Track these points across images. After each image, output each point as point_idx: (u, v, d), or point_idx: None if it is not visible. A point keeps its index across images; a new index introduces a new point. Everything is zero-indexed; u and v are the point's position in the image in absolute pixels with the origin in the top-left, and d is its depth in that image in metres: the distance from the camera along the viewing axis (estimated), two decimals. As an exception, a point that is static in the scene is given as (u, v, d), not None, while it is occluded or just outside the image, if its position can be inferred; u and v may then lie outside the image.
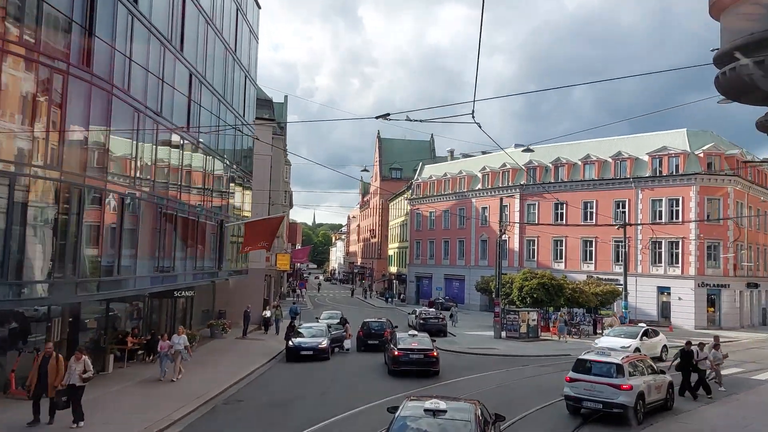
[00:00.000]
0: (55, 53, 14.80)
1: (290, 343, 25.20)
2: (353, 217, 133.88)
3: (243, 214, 34.51)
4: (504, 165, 54.90)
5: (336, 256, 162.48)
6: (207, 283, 30.20)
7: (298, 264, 79.57)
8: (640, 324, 31.88)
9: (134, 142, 19.02)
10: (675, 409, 16.27)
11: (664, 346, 27.51)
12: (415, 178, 69.84)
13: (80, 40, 15.78)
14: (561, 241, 49.67)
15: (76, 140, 15.75)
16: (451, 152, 76.16)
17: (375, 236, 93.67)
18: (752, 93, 8.59)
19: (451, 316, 40.93)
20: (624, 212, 44.87)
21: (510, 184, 54.12)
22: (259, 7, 37.35)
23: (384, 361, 23.70)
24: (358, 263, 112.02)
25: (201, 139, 25.80)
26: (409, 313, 42.94)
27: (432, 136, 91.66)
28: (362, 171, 40.28)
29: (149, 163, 20.44)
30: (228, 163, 30.68)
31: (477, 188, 58.11)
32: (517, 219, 51.69)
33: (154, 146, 20.61)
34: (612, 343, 24.23)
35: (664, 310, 43.44)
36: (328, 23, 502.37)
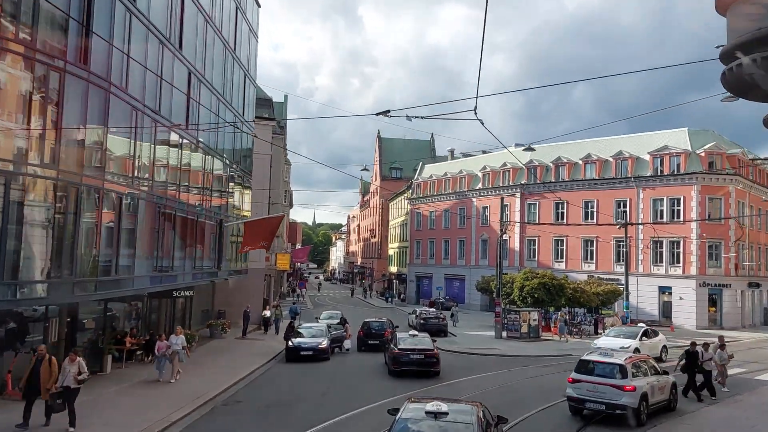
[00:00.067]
0: (52, 50, 14.65)
1: (290, 343, 25.05)
2: (353, 216, 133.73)
3: (242, 214, 34.37)
4: (504, 164, 54.75)
5: (336, 256, 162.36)
6: (206, 282, 30.06)
7: (298, 264, 79.44)
8: (639, 324, 31.72)
9: (132, 141, 18.88)
10: (678, 410, 16.12)
11: (664, 346, 27.30)
12: (416, 177, 69.69)
13: (77, 38, 15.65)
14: (562, 241, 49.51)
15: (73, 139, 15.59)
16: (452, 152, 76.00)
17: (375, 236, 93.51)
18: (755, 91, 8.55)
19: (452, 315, 40.78)
20: (625, 212, 44.72)
21: (510, 183, 53.96)
22: (259, 6, 37.20)
23: (384, 361, 23.56)
24: (358, 263, 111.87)
25: (200, 139, 25.65)
26: (409, 313, 42.80)
27: (432, 136, 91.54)
28: (362, 170, 40.19)
29: (148, 162, 20.29)
30: (228, 162, 30.54)
31: (477, 188, 57.95)
32: (517, 218, 51.54)
33: (153, 145, 20.47)
34: (611, 344, 24.01)
35: (666, 310, 43.28)
36: (328, 23, 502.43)
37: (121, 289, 18.96)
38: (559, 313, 36.42)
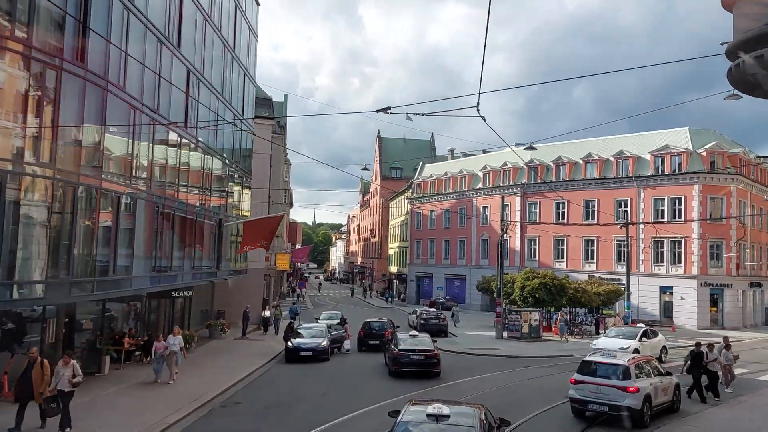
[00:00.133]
0: (49, 48, 14.48)
1: (289, 343, 24.89)
2: (353, 216, 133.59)
3: (242, 214, 34.22)
4: (505, 164, 54.60)
5: (336, 256, 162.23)
6: (205, 283, 29.90)
7: (298, 264, 79.32)
8: (639, 324, 31.53)
9: (130, 140, 18.72)
10: (682, 412, 15.96)
11: (664, 347, 27.03)
12: (416, 177, 69.52)
13: (74, 35, 15.48)
14: (562, 241, 49.35)
15: (70, 138, 15.44)
16: (452, 151, 75.78)
17: (375, 236, 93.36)
18: (759, 90, 8.49)
19: (453, 315, 40.62)
20: (626, 211, 44.53)
21: (511, 183, 53.80)
22: (258, 5, 37.04)
23: (384, 361, 23.41)
24: (359, 263, 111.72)
25: (200, 138, 25.50)
26: (409, 313, 42.65)
27: (432, 135, 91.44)
28: (362, 169, 39.97)
29: (146, 162, 20.13)
30: (227, 162, 30.38)
31: (478, 187, 57.78)
32: (518, 218, 51.38)
33: (151, 144, 20.31)
34: (610, 344, 23.70)
35: (667, 310, 43.11)
36: (328, 23, 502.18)
37: (119, 290, 18.80)
38: (560, 313, 36.27)
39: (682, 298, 42.12)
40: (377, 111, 9.51)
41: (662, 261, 43.41)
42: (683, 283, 42.14)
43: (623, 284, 37.44)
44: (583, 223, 47.32)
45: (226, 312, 34.47)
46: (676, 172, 43.15)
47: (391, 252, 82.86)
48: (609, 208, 45.46)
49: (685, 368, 18.08)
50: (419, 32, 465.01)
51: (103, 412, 14.78)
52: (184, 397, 16.57)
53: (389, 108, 9.42)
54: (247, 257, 34.58)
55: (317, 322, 30.56)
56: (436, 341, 22.98)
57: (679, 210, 42.75)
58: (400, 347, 21.32)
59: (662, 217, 43.44)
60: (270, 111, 45.72)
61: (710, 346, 18.33)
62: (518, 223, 51.25)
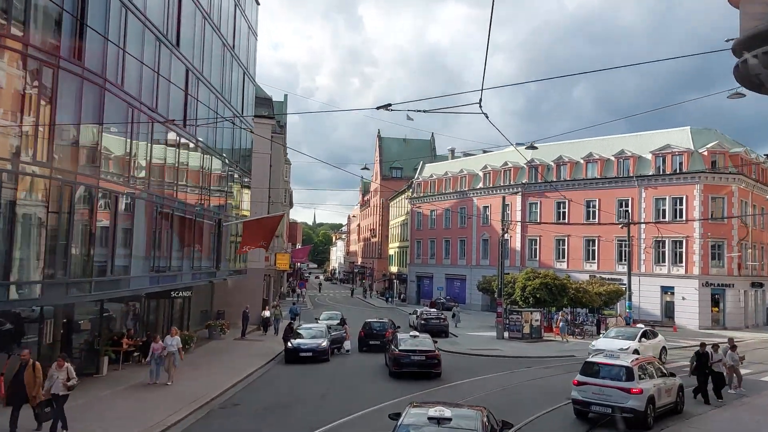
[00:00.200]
0: (45, 45, 14.32)
1: (289, 344, 24.74)
2: (353, 216, 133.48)
3: (242, 213, 34.08)
4: (506, 164, 54.45)
5: (336, 256, 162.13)
6: (205, 283, 29.75)
7: (299, 264, 79.18)
8: (638, 325, 31.35)
9: (129, 139, 18.56)
10: (685, 413, 15.82)
11: (664, 347, 26.81)
12: (416, 177, 69.38)
13: (71, 32, 15.31)
14: (563, 241, 49.18)
15: (67, 136, 15.28)
16: (452, 151, 75.61)
17: (375, 236, 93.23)
18: (764, 89, 8.41)
19: (454, 316, 40.49)
20: (627, 211, 44.34)
21: (512, 182, 53.64)
22: (258, 3, 36.90)
23: (385, 362, 23.26)
24: (359, 263, 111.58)
25: (199, 138, 25.35)
26: (409, 314, 42.51)
27: (432, 135, 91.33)
28: (362, 169, 39.89)
29: (144, 161, 19.97)
30: (227, 161, 30.23)
31: (478, 187, 57.62)
32: (519, 218, 51.22)
33: (149, 144, 20.15)
34: (610, 345, 23.39)
35: (668, 310, 42.95)
36: (327, 22, 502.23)
37: (118, 290, 18.65)
38: (560, 313, 36.12)
39: (683, 299, 41.96)
40: (377, 108, 9.36)
41: (663, 261, 43.24)
42: (684, 283, 41.98)
43: (624, 284, 37.27)
44: (584, 222, 47.15)
45: (225, 312, 34.32)
46: (678, 171, 42.98)
47: (391, 252, 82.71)
48: (610, 208, 45.30)
49: (691, 369, 17.89)
50: (419, 32, 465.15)
51: (100, 413, 14.62)
52: (182, 398, 16.41)
53: (390, 105, 9.28)
54: (246, 257, 34.43)
55: (317, 322, 30.43)
56: (436, 342, 22.86)
57: (681, 210, 42.58)
58: (400, 348, 21.17)
59: (663, 216, 43.28)
60: (270, 111, 45.62)
61: (715, 346, 18.14)
62: (519, 223, 51.09)
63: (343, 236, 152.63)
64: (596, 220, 46.34)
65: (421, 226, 65.85)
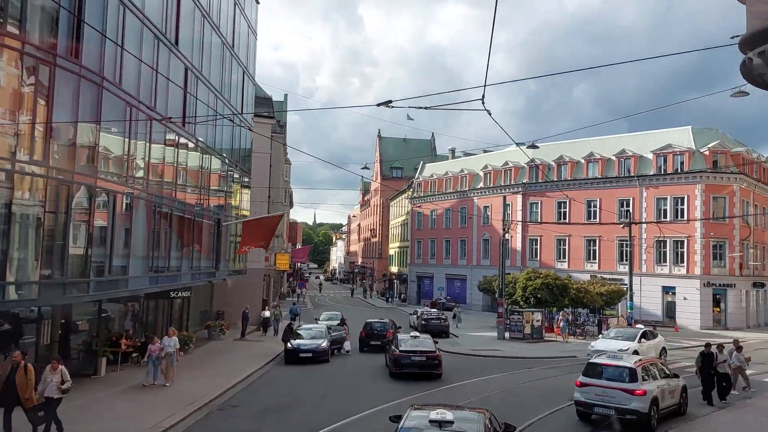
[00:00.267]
0: (41, 43, 14.16)
1: (289, 344, 24.59)
2: (354, 216, 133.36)
3: (241, 213, 33.93)
4: (506, 163, 54.31)
5: (336, 256, 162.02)
6: (204, 283, 29.60)
7: (299, 264, 79.04)
8: (638, 326, 31.19)
9: (127, 138, 18.40)
10: (689, 415, 15.67)
11: (663, 348, 26.62)
12: (416, 176, 69.23)
13: (68, 30, 15.15)
14: (564, 241, 49.01)
15: (64, 135, 15.11)
16: (453, 151, 75.49)
17: (376, 236, 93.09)
18: None
19: (454, 316, 40.35)
20: (628, 211, 44.15)
21: (512, 182, 53.48)
22: (258, 2, 36.74)
23: (385, 362, 23.12)
24: (359, 263, 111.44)
25: (199, 137, 25.19)
26: (410, 314, 42.37)
27: (433, 135, 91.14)
28: (363, 168, 39.71)
29: (143, 160, 19.82)
30: (226, 161, 30.08)
31: (479, 187, 57.47)
32: (519, 218, 51.06)
33: (148, 143, 19.99)
34: (609, 346, 23.21)
35: (669, 310, 42.78)
36: (328, 22, 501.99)
37: (116, 290, 18.49)
38: (561, 314, 35.97)
39: (684, 299, 41.79)
40: (378, 105, 9.21)
41: (665, 261, 43.07)
42: (686, 283, 41.81)
43: (625, 284, 37.11)
44: (585, 222, 46.98)
45: (225, 312, 34.18)
46: (679, 171, 42.81)
47: (391, 252, 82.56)
48: (611, 208, 45.13)
49: (697, 370, 17.72)
50: (419, 32, 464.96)
51: (98, 414, 14.48)
52: (181, 399, 16.26)
53: (390, 101, 9.15)
54: (246, 257, 34.28)
55: (317, 322, 30.29)
56: (437, 342, 22.73)
57: (682, 209, 42.41)
58: (401, 348, 21.03)
59: (665, 216, 43.10)
60: (270, 111, 45.46)
61: (720, 347, 17.97)
62: (520, 223, 50.93)
63: (344, 236, 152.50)
64: (597, 219, 46.18)
65: (421, 226, 65.70)
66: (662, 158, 43.94)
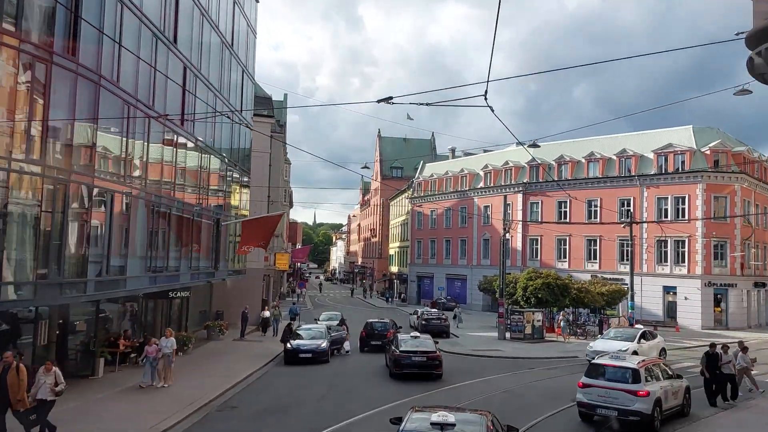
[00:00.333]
0: (38, 40, 14.01)
1: (288, 345, 24.44)
2: (354, 216, 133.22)
3: (241, 213, 33.78)
4: (506, 163, 54.17)
5: (336, 256, 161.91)
6: (203, 283, 29.45)
7: (299, 264, 78.88)
8: (638, 326, 31.04)
9: (125, 137, 18.26)
10: (692, 416, 15.52)
11: (663, 348, 26.46)
12: (416, 176, 69.09)
13: (65, 27, 15.00)
14: (565, 240, 48.86)
15: (60, 134, 14.95)
16: (453, 150, 75.35)
17: (376, 236, 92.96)
18: None
19: (455, 316, 40.20)
20: (629, 210, 43.92)
21: (513, 182, 53.34)
22: (257, 1, 36.59)
23: (385, 363, 22.97)
24: (359, 263, 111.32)
25: (198, 137, 25.04)
26: (410, 314, 42.23)
27: (433, 135, 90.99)
28: (363, 167, 39.53)
29: (141, 160, 19.66)
30: (226, 160, 29.93)
31: (479, 186, 57.33)
32: (520, 218, 50.91)
33: (146, 142, 19.83)
34: (608, 347, 23.05)
35: (670, 310, 42.63)
36: (328, 22, 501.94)
37: (114, 290, 18.35)
38: (561, 314, 35.83)
39: (685, 298, 41.64)
40: (378, 101, 9.09)
41: (666, 261, 42.92)
42: (687, 282, 41.66)
43: (626, 284, 36.96)
44: (586, 222, 46.82)
45: (224, 313, 34.03)
46: (680, 170, 42.66)
47: (391, 252, 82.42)
48: (612, 207, 44.98)
49: (702, 370, 17.56)
50: (419, 32, 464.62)
51: (96, 416, 14.33)
52: (179, 400, 16.11)
53: (391, 98, 9.01)
54: (246, 257, 34.12)
55: (317, 322, 30.14)
56: (437, 342, 22.60)
57: (683, 209, 42.26)
58: (401, 348, 20.88)
59: (666, 216, 42.95)
60: (270, 110, 45.32)
61: (725, 347, 17.79)
62: (520, 223, 50.78)
63: (344, 236, 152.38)
64: (598, 219, 46.01)
65: (421, 226, 65.56)
66: (663, 158, 43.78)
